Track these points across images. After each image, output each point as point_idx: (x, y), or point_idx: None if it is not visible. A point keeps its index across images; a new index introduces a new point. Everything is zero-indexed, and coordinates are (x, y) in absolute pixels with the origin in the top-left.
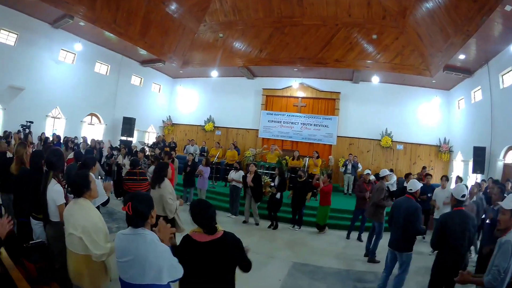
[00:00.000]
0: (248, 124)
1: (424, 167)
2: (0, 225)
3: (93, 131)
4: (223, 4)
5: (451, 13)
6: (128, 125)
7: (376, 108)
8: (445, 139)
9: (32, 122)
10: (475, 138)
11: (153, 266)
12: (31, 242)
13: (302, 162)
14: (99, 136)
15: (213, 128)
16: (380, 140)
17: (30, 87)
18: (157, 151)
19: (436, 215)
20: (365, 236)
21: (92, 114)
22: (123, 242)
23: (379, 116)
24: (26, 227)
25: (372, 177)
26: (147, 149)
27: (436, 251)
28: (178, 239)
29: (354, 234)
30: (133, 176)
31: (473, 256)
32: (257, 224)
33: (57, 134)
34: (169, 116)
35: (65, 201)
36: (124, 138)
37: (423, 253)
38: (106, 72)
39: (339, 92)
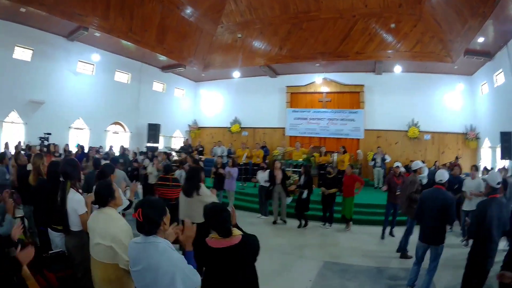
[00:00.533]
0: (274, 123)
1: (457, 157)
2: (26, 253)
3: (118, 139)
4: (238, 4)
5: None
6: (153, 131)
7: (401, 98)
8: (471, 126)
9: (50, 134)
10: (501, 123)
11: (166, 275)
12: (50, 252)
13: (330, 158)
14: (125, 144)
15: (240, 129)
16: (407, 131)
17: (51, 100)
18: (183, 155)
19: (465, 206)
20: (397, 231)
21: (116, 123)
22: (135, 251)
23: (404, 107)
24: (46, 236)
25: (402, 169)
26: (174, 154)
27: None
28: None
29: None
30: (166, 182)
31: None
32: (284, 222)
33: (81, 145)
34: (195, 120)
35: (86, 210)
36: (150, 144)
37: (451, 245)
38: (127, 80)
39: (363, 85)
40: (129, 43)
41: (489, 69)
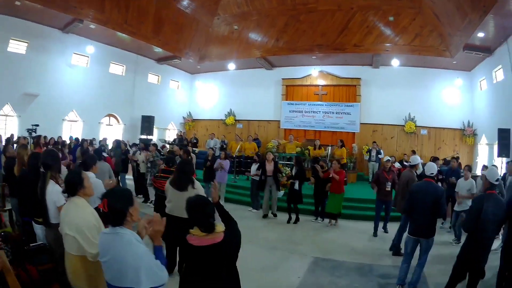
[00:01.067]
0: (269, 115)
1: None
2: None
3: (111, 132)
4: None
5: None
6: (147, 123)
7: (398, 92)
8: (468, 122)
9: (37, 125)
10: (499, 120)
11: (131, 268)
12: (31, 244)
13: (324, 152)
14: (118, 136)
15: (234, 121)
16: (404, 126)
17: (45, 93)
18: (175, 148)
19: (457, 207)
20: (391, 227)
21: (110, 115)
22: (104, 242)
23: (401, 101)
24: (31, 226)
25: (397, 164)
26: (167, 146)
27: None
28: None
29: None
30: (168, 175)
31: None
32: (275, 215)
33: (74, 137)
34: (189, 112)
35: (65, 201)
36: (144, 136)
37: (441, 242)
38: (122, 72)
39: (360, 78)
40: (124, 35)
41: (489, 65)
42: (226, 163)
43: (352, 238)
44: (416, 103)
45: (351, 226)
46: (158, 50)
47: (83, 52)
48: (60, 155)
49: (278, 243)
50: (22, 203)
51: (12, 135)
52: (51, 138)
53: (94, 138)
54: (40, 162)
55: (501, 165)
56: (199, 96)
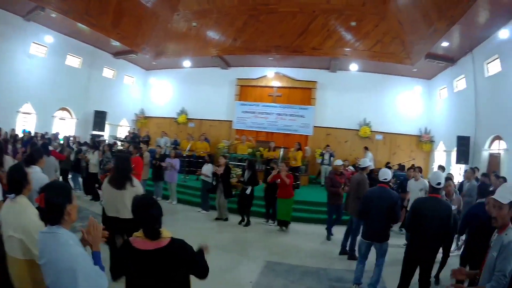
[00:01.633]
0: (222, 115)
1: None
2: None
3: (64, 126)
4: None
5: None
6: (99, 118)
7: (354, 97)
8: (426, 129)
9: None
10: (458, 128)
11: (66, 272)
12: None
13: (279, 154)
14: (70, 131)
15: (186, 120)
16: (358, 130)
17: (0, 83)
18: (126, 145)
19: (410, 207)
20: (337, 230)
21: (63, 109)
22: (41, 242)
23: (357, 106)
24: None
25: (350, 168)
26: (119, 143)
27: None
28: None
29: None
30: None
31: (453, 249)
32: (225, 219)
33: (27, 130)
34: (142, 109)
35: (2, 198)
36: (95, 132)
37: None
38: (79, 65)
39: (316, 81)
40: (84, 26)
41: (450, 74)
42: (176, 162)
43: (305, 242)
44: (372, 108)
45: (302, 230)
46: (115, 43)
47: (42, 42)
48: (11, 147)
49: (229, 246)
50: None
51: None
52: (5, 132)
53: (46, 132)
54: None
55: (459, 171)
56: (152, 93)
